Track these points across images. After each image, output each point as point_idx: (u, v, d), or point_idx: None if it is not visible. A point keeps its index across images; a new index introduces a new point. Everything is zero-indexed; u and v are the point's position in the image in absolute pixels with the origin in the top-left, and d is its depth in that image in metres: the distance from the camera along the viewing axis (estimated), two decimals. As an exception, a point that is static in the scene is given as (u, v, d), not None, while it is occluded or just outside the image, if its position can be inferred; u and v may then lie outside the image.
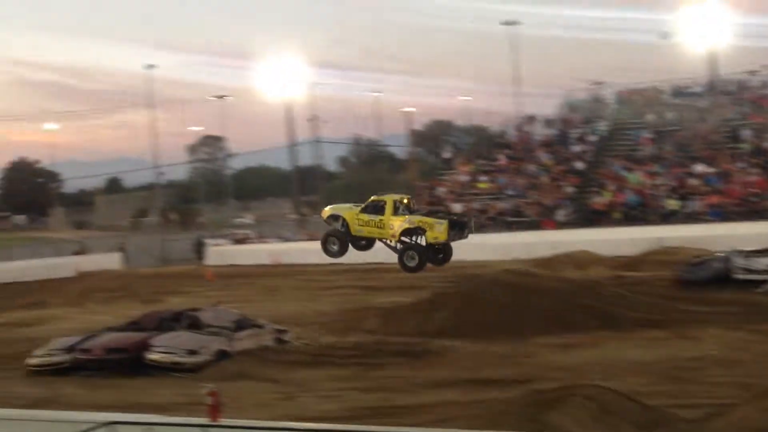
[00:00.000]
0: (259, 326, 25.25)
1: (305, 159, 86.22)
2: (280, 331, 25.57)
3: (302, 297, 36.19)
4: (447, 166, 62.15)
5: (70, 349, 23.77)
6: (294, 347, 24.76)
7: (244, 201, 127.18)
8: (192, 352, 22.55)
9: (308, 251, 52.44)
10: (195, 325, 24.53)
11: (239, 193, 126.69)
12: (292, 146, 66.66)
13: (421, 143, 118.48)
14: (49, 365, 23.67)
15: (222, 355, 23.01)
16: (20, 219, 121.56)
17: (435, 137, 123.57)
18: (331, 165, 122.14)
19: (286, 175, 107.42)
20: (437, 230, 25.22)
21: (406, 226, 25.52)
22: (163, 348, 22.79)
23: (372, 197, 26.85)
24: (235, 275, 46.81)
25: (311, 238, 58.34)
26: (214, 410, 14.22)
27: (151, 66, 77.45)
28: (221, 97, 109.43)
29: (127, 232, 78.25)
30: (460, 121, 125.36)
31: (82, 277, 49.79)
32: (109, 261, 55.82)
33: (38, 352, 24.33)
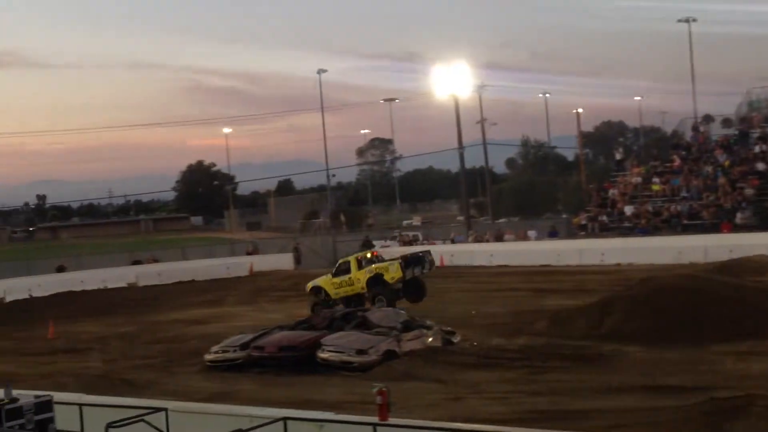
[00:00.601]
0: (427, 327, 25.28)
1: (473, 161, 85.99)
2: (447, 332, 25.52)
3: (470, 298, 36.04)
4: (618, 167, 60.75)
5: (244, 346, 24.44)
6: (462, 348, 24.64)
7: (411, 203, 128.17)
8: (361, 352, 22.77)
9: (476, 253, 52.41)
10: (364, 325, 24.81)
11: (407, 195, 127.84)
12: (460, 148, 66.43)
13: (591, 145, 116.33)
14: (224, 361, 24.41)
15: (390, 355, 23.13)
16: (197, 220, 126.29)
17: (605, 138, 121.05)
18: (499, 167, 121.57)
19: (453, 178, 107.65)
20: (392, 271, 31.49)
21: (368, 275, 31.66)
22: (333, 347, 23.12)
23: (339, 261, 33.96)
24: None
25: (479, 240, 58.25)
26: (383, 409, 14.28)
27: (322, 70, 78.98)
28: (390, 100, 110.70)
29: (297, 233, 79.98)
30: (631, 122, 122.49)
31: (255, 276, 51.25)
32: (281, 261, 57.29)
33: (214, 348, 25.12)
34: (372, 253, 34.72)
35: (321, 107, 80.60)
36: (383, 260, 33.35)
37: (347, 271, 32.80)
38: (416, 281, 32.60)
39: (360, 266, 32.72)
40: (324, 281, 33.38)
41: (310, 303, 32.95)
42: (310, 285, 33.79)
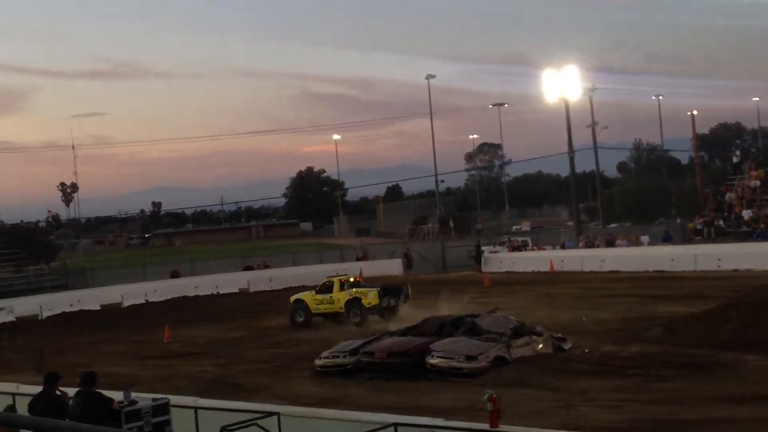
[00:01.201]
0: (537, 333, 25.02)
1: (583, 165, 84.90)
2: (558, 339, 25.22)
3: (581, 304, 35.52)
4: (736, 170, 59.10)
5: (354, 352, 24.57)
6: (573, 355, 24.29)
7: (520, 208, 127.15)
8: (471, 358, 22.66)
9: (586, 258, 51.64)
10: (473, 330, 24.69)
11: (516, 200, 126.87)
12: (571, 153, 65.61)
13: (706, 147, 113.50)
14: (334, 366, 24.59)
15: (500, 361, 22.96)
16: (307, 226, 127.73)
17: (721, 141, 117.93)
18: (610, 171, 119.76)
19: (563, 182, 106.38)
20: (369, 297, 35.67)
21: (348, 297, 35.90)
22: (442, 353, 23.06)
23: (324, 280, 37.44)
24: (512, 282, 46.82)
25: (590, 245, 57.41)
26: (494, 416, 14.16)
27: (431, 76, 79.10)
28: (499, 104, 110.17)
29: (406, 238, 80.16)
30: (749, 123, 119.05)
31: (366, 282, 51.45)
32: (390, 267, 57.51)
33: (325, 353, 25.32)
34: (355, 278, 38.64)
35: (430, 113, 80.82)
36: (364, 285, 37.16)
37: (330, 290, 36.46)
38: (392, 308, 35.90)
39: (342, 288, 36.44)
40: (307, 296, 36.88)
41: (291, 311, 36.66)
42: (293, 297, 37.37)
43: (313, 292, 37.00)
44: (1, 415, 8.31)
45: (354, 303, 35.85)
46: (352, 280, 37.79)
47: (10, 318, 45.12)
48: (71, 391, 14.50)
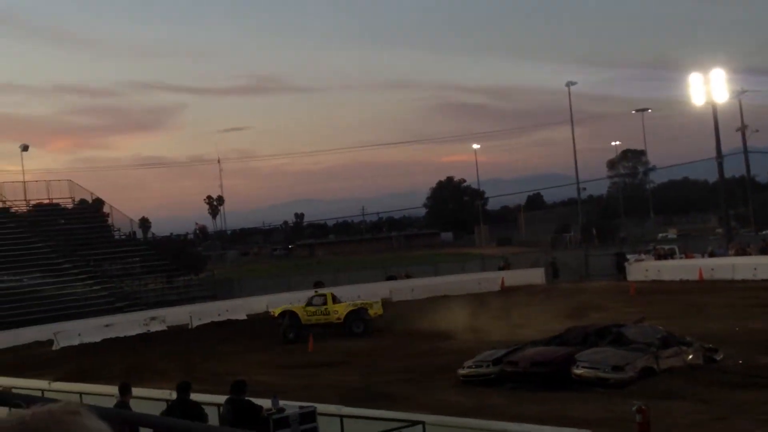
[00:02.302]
0: (687, 343, 24.31)
1: (732, 170, 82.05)
2: (709, 350, 24.44)
3: (732, 314, 34.32)
4: None
5: (497, 361, 24.41)
6: (725, 366, 23.50)
7: (666, 215, 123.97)
8: (617, 368, 22.21)
9: (738, 266, 49.88)
10: (620, 340, 24.19)
11: (661, 208, 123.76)
12: (719, 158, 63.54)
13: None
14: (477, 376, 24.49)
15: (648, 372, 22.42)
16: (447, 235, 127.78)
17: None
18: (763, 176, 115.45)
19: (711, 188, 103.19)
20: (376, 307, 39.97)
21: (351, 308, 39.33)
22: (587, 363, 22.68)
23: (314, 293, 41.74)
24: (658, 291, 45.68)
25: (741, 253, 55.45)
26: (644, 428, 13.84)
27: (571, 83, 78.09)
28: (642, 110, 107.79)
29: (548, 247, 79.26)
30: None
31: (507, 291, 51.22)
32: (532, 276, 56.95)
33: (468, 363, 25.24)
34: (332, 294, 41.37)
35: (570, 120, 79.71)
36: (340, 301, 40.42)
37: (323, 303, 39.65)
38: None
39: (334, 301, 40.02)
40: (297, 308, 39.74)
41: (282, 327, 38.84)
42: (278, 310, 40.05)
43: (302, 305, 40.02)
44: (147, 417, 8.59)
45: (356, 313, 39.20)
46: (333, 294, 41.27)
47: (162, 327, 46.73)
48: (221, 399, 14.89)
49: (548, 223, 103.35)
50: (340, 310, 39.39)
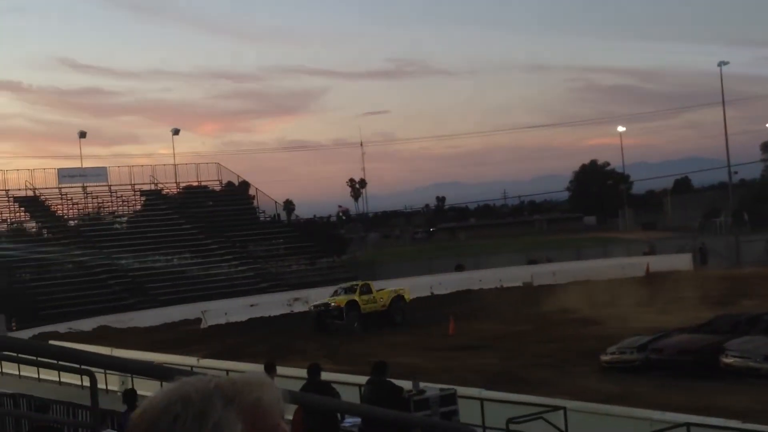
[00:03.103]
0: None
1: None
2: None
3: None
4: None
5: (641, 348, 23.91)
6: None
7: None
8: (769, 358, 21.44)
9: None
10: (772, 329, 23.33)
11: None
12: None
13: None
14: (621, 362, 24.05)
15: (802, 363, 21.54)
16: (590, 220, 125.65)
17: None
18: None
19: None
20: (406, 294, 41.34)
21: (394, 295, 40.64)
22: (737, 352, 21.97)
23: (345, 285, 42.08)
24: (815, 279, 43.74)
25: None
26: (797, 421, 13.29)
27: (723, 63, 75.39)
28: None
29: (696, 233, 76.96)
30: None
31: (652, 277, 50.02)
32: (679, 262, 55.43)
33: (611, 349, 24.83)
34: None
35: (722, 101, 76.96)
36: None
37: (369, 291, 40.28)
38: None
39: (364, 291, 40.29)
40: (359, 298, 39.62)
41: (348, 318, 38.61)
42: (341, 301, 39.36)
43: (353, 294, 39.76)
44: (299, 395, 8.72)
45: (397, 301, 40.39)
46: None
47: (305, 308, 47.58)
48: (362, 380, 15.05)
49: (696, 207, 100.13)
50: (385, 297, 40.07)
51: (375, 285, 41.90)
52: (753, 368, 21.35)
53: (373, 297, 39.82)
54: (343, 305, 38.80)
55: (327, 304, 39.26)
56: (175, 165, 72.32)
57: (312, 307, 40.35)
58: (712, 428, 13.29)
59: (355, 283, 41.73)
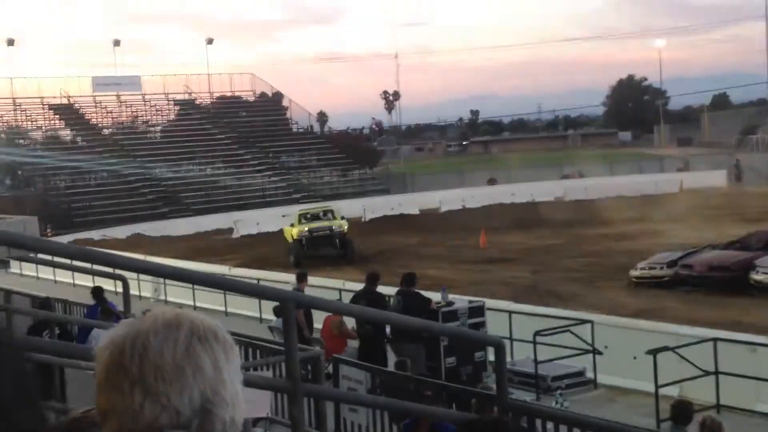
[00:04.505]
0: None
1: None
2: None
3: None
4: None
5: (671, 264, 23.92)
6: None
7: None
8: (799, 276, 21.40)
9: None
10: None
11: None
12: None
13: None
14: (651, 278, 24.08)
15: (832, 280, 21.49)
16: (625, 135, 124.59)
17: None
18: None
19: None
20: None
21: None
22: (768, 269, 21.92)
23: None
24: None
25: None
26: (824, 338, 13.33)
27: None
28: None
29: (733, 149, 76.09)
30: None
31: (686, 193, 49.70)
32: (714, 179, 54.96)
33: (641, 264, 24.84)
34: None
35: (766, 14, 75.29)
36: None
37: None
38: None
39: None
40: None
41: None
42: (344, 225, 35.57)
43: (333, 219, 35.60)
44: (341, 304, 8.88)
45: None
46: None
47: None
48: (392, 290, 15.21)
49: (734, 124, 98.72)
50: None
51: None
52: (783, 285, 21.34)
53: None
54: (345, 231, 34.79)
55: (328, 229, 34.47)
56: (208, 75, 72.28)
57: (307, 232, 34.31)
58: (740, 343, 13.34)
59: (325, 206, 37.72)
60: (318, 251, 33.65)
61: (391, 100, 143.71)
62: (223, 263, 31.24)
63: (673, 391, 12.12)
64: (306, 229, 34.34)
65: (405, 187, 60.54)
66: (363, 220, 47.40)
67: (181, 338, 1.54)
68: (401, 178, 65.86)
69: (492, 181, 60.06)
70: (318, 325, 15.29)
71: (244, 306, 21.41)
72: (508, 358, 14.81)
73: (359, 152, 71.52)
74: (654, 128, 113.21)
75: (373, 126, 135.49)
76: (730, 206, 41.63)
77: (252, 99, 73.66)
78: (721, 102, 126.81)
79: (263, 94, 74.05)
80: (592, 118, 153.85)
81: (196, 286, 20.63)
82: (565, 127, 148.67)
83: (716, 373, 12.76)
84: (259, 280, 20.36)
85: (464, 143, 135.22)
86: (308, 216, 36.06)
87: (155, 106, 68.73)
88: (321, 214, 36.44)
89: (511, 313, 16.03)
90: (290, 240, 34.88)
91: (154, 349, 1.52)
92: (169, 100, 69.06)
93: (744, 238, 25.37)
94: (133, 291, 17.42)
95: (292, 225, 35.51)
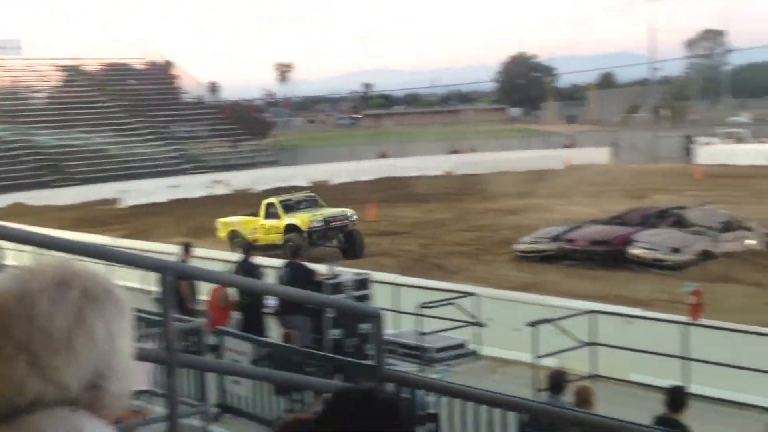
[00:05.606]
0: (748, 229, 24.09)
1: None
2: (771, 236, 24.22)
3: (800, 202, 33.72)
4: None
5: (555, 238, 24.47)
6: (786, 254, 23.29)
7: (741, 99, 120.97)
8: (675, 250, 22.16)
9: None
10: (680, 223, 24.05)
11: (737, 91, 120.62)
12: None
13: None
14: (535, 252, 24.60)
15: (705, 255, 22.34)
16: (515, 111, 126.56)
17: None
18: None
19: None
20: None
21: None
22: (646, 244, 22.64)
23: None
24: (727, 175, 44.93)
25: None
26: (696, 310, 13.86)
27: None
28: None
29: (617, 127, 78.12)
30: None
31: (570, 169, 50.87)
32: (597, 155, 56.40)
33: (525, 239, 25.35)
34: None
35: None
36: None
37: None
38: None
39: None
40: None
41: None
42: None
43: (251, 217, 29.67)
44: (225, 275, 8.82)
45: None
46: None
47: (226, 191, 47.44)
48: (280, 262, 15.22)
49: (619, 102, 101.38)
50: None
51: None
52: (659, 259, 22.05)
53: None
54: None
55: (344, 217, 28.62)
56: (96, 41, 70.48)
57: (322, 221, 27.86)
58: (616, 316, 13.79)
59: (308, 194, 30.84)
60: (319, 244, 27.85)
61: (284, 71, 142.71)
62: (108, 234, 30.67)
63: (553, 362, 12.46)
64: (320, 217, 28.02)
65: (296, 159, 60.31)
66: (253, 192, 47.13)
67: (72, 299, 1.40)
68: (292, 150, 65.60)
69: (383, 155, 60.32)
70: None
71: (131, 278, 21.13)
72: (394, 330, 15.03)
73: (250, 123, 70.85)
74: (542, 105, 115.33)
75: (265, 97, 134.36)
76: (612, 182, 42.78)
77: (142, 67, 72.21)
78: (606, 81, 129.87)
79: (153, 63, 72.68)
80: (484, 94, 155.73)
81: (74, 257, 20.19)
82: (457, 102, 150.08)
83: (593, 344, 13.18)
84: (144, 251, 20.06)
85: (356, 116, 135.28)
86: (291, 203, 29.21)
87: (38, 71, 66.73)
88: (304, 201, 29.76)
89: (397, 285, 16.23)
90: (283, 233, 27.73)
91: (43, 312, 1.38)
92: (53, 65, 67.12)
93: (624, 214, 26.16)
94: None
95: (252, 215, 29.42)
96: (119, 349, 1.44)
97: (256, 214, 29.32)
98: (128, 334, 1.47)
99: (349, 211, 29.13)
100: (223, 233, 29.64)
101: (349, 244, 28.05)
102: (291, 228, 27.79)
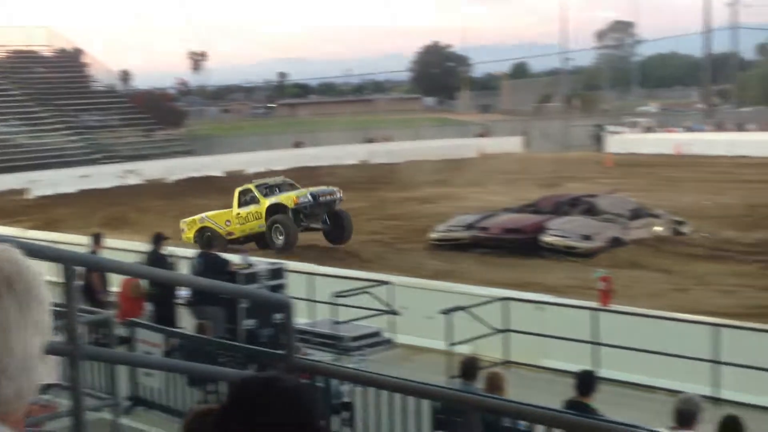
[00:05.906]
0: (656, 216, 24.67)
1: (720, 46, 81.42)
2: (677, 222, 24.83)
3: (705, 189, 34.70)
4: None
5: (469, 227, 24.69)
6: (691, 239, 23.93)
7: (650, 89, 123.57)
8: (586, 237, 22.56)
9: (716, 142, 50.17)
10: (591, 210, 24.50)
11: (646, 81, 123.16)
12: (707, 32, 62.93)
13: None
14: (449, 240, 24.80)
15: (615, 242, 22.80)
16: (429, 101, 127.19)
17: None
18: (749, 53, 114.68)
19: (697, 63, 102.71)
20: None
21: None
22: (557, 231, 23.00)
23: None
24: (635, 164, 45.93)
25: (720, 129, 55.70)
26: (605, 296, 14.14)
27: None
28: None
29: (530, 117, 79.14)
30: None
31: (484, 158, 51.38)
32: (510, 144, 57.09)
33: (440, 227, 25.53)
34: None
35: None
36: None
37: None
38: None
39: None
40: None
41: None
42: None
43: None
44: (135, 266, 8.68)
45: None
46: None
47: (139, 180, 46.74)
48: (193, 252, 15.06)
49: (532, 92, 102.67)
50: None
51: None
52: (571, 246, 22.43)
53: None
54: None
55: (330, 193, 27.48)
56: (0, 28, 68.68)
57: (309, 196, 26.25)
58: (527, 302, 13.98)
59: (285, 179, 29.04)
60: (305, 225, 26.30)
61: (198, 60, 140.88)
62: (16, 225, 29.96)
63: (467, 349, 12.58)
64: (307, 192, 26.50)
65: (211, 148, 59.64)
66: (166, 181, 46.54)
67: None
68: (207, 140, 64.87)
69: (298, 144, 60.06)
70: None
71: (46, 271, 20.68)
72: (310, 320, 15.01)
73: (163, 112, 69.75)
74: (457, 94, 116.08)
75: (179, 86, 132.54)
76: (525, 171, 43.34)
77: (50, 54, 70.55)
78: (520, 71, 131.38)
79: (62, 50, 71.06)
80: (399, 83, 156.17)
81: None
82: (372, 91, 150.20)
83: (506, 330, 13.34)
84: (54, 242, 19.64)
85: (271, 105, 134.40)
86: (269, 187, 27.68)
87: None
88: (282, 184, 28.17)
89: (312, 274, 16.20)
90: (265, 217, 25.93)
91: None
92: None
93: (536, 202, 26.55)
94: None
95: (227, 209, 27.54)
96: (14, 345, 1.29)
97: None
98: (35, 328, 1.33)
99: (335, 188, 27.80)
100: (189, 234, 26.87)
101: (337, 226, 26.52)
102: (274, 209, 25.94)
